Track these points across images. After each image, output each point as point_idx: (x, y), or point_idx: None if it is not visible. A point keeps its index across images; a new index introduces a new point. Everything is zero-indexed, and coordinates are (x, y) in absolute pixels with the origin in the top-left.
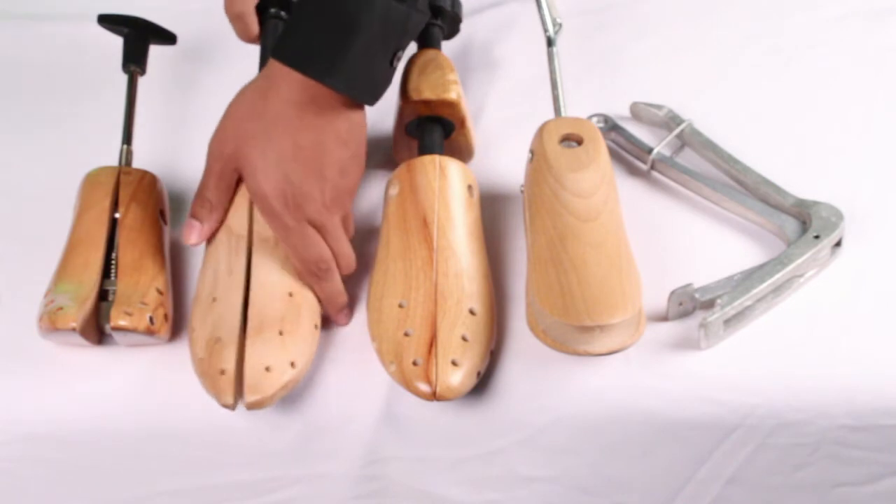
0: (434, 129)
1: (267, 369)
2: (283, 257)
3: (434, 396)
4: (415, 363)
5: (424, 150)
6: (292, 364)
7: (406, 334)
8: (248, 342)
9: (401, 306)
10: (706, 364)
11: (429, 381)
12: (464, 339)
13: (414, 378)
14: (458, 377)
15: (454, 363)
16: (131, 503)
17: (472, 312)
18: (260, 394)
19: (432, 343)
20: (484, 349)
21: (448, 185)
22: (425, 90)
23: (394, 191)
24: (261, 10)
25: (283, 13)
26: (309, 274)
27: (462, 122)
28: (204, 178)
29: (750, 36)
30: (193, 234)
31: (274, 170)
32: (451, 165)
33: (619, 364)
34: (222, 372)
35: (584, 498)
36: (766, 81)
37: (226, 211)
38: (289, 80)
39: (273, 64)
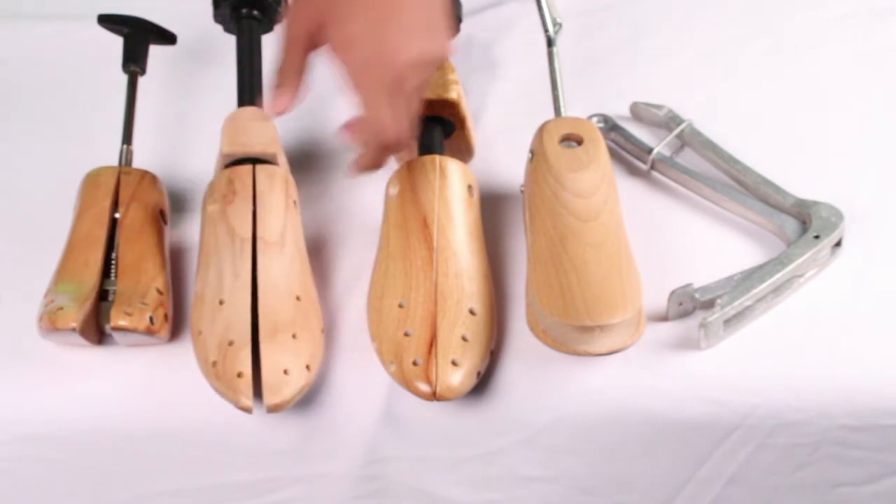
0: (434, 128)
1: (285, 372)
2: (288, 260)
3: (434, 396)
4: (415, 363)
5: (424, 149)
6: (307, 367)
7: (406, 334)
8: (264, 346)
9: (401, 306)
10: (706, 364)
11: (429, 381)
12: (464, 339)
13: (414, 378)
14: (458, 377)
15: (454, 363)
16: (131, 503)
17: (472, 312)
18: (280, 396)
19: (432, 343)
20: (484, 349)
21: (448, 185)
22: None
23: (394, 191)
24: (235, 10)
25: (255, 12)
26: (371, 134)
27: (462, 123)
28: (283, 48)
29: (750, 36)
30: (281, 101)
31: (361, 24)
32: (452, 165)
33: (619, 364)
34: (239, 375)
35: (584, 498)
36: (766, 81)
37: (303, 77)
38: None
39: None
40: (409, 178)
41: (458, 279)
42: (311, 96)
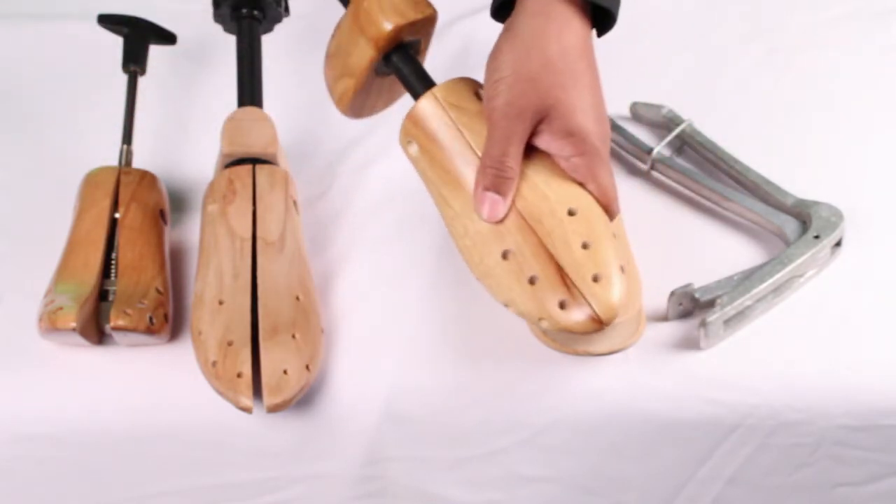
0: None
1: (285, 372)
2: (288, 261)
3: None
4: (563, 305)
5: (417, 82)
6: (307, 367)
7: (531, 281)
8: (264, 345)
9: (504, 257)
10: (706, 364)
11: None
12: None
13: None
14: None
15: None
16: (131, 503)
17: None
18: (281, 396)
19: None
20: None
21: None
22: (407, 10)
23: (413, 149)
24: (235, 10)
25: (255, 12)
26: (610, 202)
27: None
28: (500, 143)
29: (750, 36)
30: (500, 209)
31: (590, 109)
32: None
33: (619, 364)
34: (239, 375)
35: (584, 498)
36: (766, 81)
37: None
38: (577, 20)
39: (550, 5)
40: None
41: None
42: (309, 96)
